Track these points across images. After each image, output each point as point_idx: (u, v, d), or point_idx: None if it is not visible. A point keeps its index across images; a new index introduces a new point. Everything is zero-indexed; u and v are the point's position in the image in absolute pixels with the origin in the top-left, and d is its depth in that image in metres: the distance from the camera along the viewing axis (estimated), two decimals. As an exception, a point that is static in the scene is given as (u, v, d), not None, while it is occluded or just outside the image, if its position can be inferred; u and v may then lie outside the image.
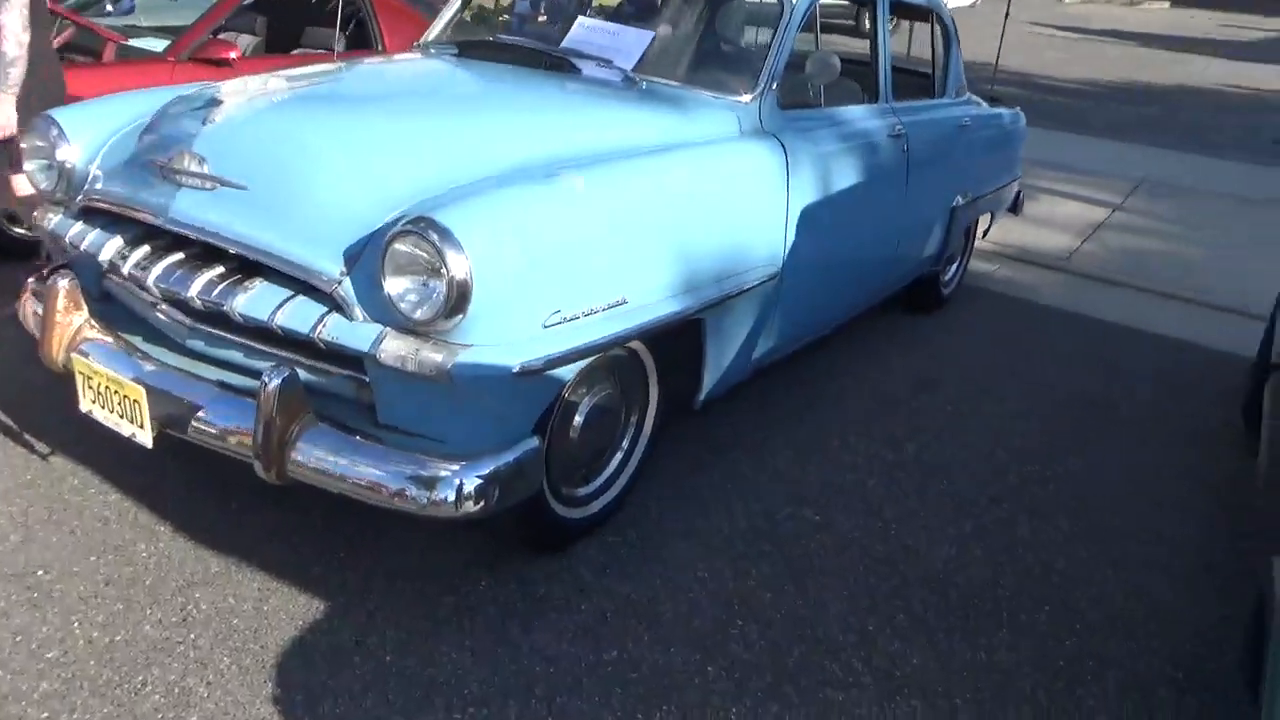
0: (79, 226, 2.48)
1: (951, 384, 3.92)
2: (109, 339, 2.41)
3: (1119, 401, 3.94)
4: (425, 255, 1.93)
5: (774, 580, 2.54)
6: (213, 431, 2.18)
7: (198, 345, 2.34)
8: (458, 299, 1.91)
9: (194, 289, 2.16)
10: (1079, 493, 3.16)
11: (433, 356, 1.95)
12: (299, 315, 2.06)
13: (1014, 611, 2.51)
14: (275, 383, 2.02)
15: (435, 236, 1.91)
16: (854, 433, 3.38)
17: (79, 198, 2.52)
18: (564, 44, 3.15)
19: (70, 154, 2.53)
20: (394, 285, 1.97)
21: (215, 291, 2.14)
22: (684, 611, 2.39)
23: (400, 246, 1.95)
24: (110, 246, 2.36)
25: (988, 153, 4.65)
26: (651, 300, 2.34)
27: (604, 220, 2.24)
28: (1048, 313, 4.93)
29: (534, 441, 2.14)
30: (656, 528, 2.70)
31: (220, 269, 2.20)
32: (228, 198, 2.20)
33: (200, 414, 2.18)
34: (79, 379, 2.34)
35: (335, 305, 2.06)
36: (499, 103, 2.76)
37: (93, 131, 2.60)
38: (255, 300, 2.11)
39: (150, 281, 2.22)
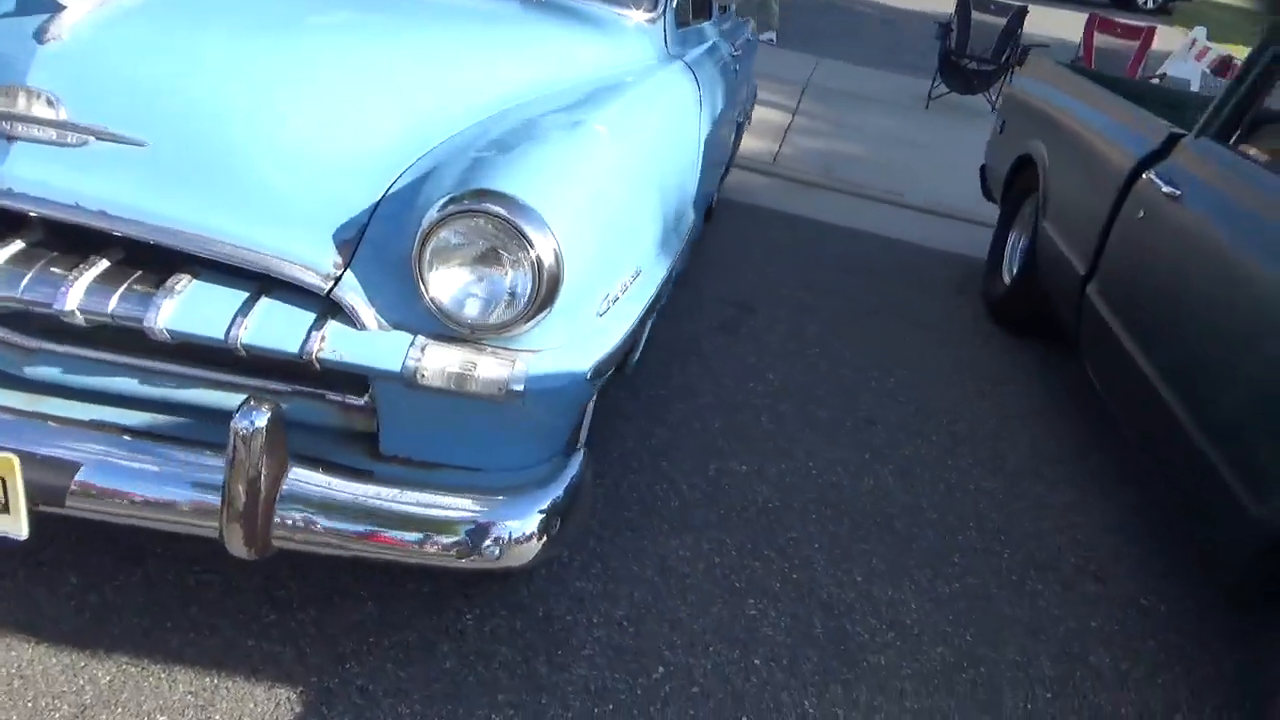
0: None
1: (765, 305, 3.96)
2: None
3: (890, 305, 4.25)
4: (496, 240, 1.45)
5: (751, 548, 2.40)
6: (138, 501, 1.51)
7: (47, 374, 1.60)
8: (546, 293, 1.46)
9: (104, 303, 1.45)
10: (922, 401, 3.37)
11: (497, 373, 1.50)
12: (277, 329, 1.47)
13: (951, 534, 2.63)
14: (260, 424, 1.43)
15: (511, 213, 1.43)
16: (729, 375, 3.29)
17: None
18: None
19: None
20: (443, 283, 1.47)
21: (132, 302, 1.45)
22: (696, 603, 2.18)
23: (453, 231, 1.44)
24: None
25: (749, 66, 4.67)
26: (651, 265, 2.00)
27: (625, 174, 1.85)
28: (777, 217, 5.16)
29: (580, 456, 1.76)
30: (615, 516, 2.42)
31: (103, 264, 1.49)
32: (113, 159, 1.48)
33: (103, 479, 1.50)
34: None
35: (325, 310, 1.50)
36: (416, 24, 2.12)
37: None
38: (196, 311, 1.46)
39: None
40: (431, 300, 1.46)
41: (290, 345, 1.46)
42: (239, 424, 1.43)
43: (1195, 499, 2.34)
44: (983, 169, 5.21)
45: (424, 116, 1.69)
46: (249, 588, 1.95)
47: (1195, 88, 8.59)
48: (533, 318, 1.47)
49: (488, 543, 1.56)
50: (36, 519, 1.51)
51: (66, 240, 1.53)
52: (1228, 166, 2.74)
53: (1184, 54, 9.46)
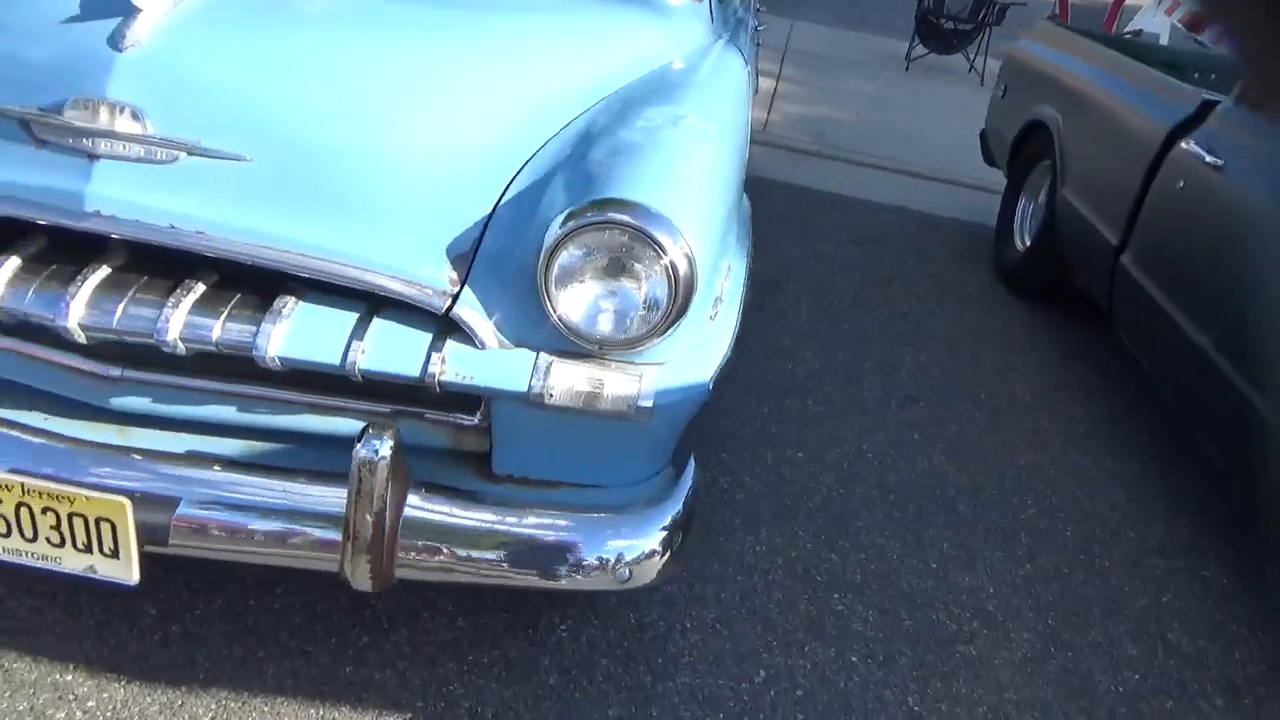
0: None
1: (784, 281, 3.91)
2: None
3: (902, 275, 4.22)
4: (625, 251, 1.37)
5: (825, 539, 2.37)
6: (248, 537, 1.43)
7: (135, 404, 1.49)
8: (683, 302, 1.39)
9: (208, 331, 1.35)
10: (956, 376, 3.36)
11: (625, 389, 1.43)
12: (396, 353, 1.39)
13: (1012, 513, 2.62)
14: (384, 453, 1.35)
15: (641, 222, 1.35)
16: (765, 357, 3.24)
17: None
18: None
19: None
20: (573, 301, 1.38)
21: (238, 330, 1.36)
22: (783, 600, 2.14)
23: (580, 246, 1.36)
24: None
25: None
26: (736, 260, 1.93)
27: (718, 167, 1.77)
28: (775, 187, 5.10)
29: (691, 466, 1.70)
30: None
31: (199, 289, 1.39)
32: (207, 175, 1.37)
33: (209, 515, 1.41)
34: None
35: (441, 330, 1.41)
36: (489, 20, 1.99)
37: None
38: (308, 337, 1.37)
39: (83, 319, 1.34)
40: (560, 319, 1.38)
41: (411, 369, 1.38)
42: (362, 453, 1.35)
43: (1256, 466, 2.35)
44: (983, 134, 5.18)
45: (517, 118, 1.60)
46: (335, 610, 1.87)
47: (1165, 42, 8.64)
48: (667, 329, 1.40)
49: (618, 564, 1.50)
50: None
51: (149, 263, 1.43)
52: (1273, 135, 2.72)
53: (1153, 8, 9.50)
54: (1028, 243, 4.37)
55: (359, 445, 1.36)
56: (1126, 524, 2.67)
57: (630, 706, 1.80)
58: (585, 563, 1.49)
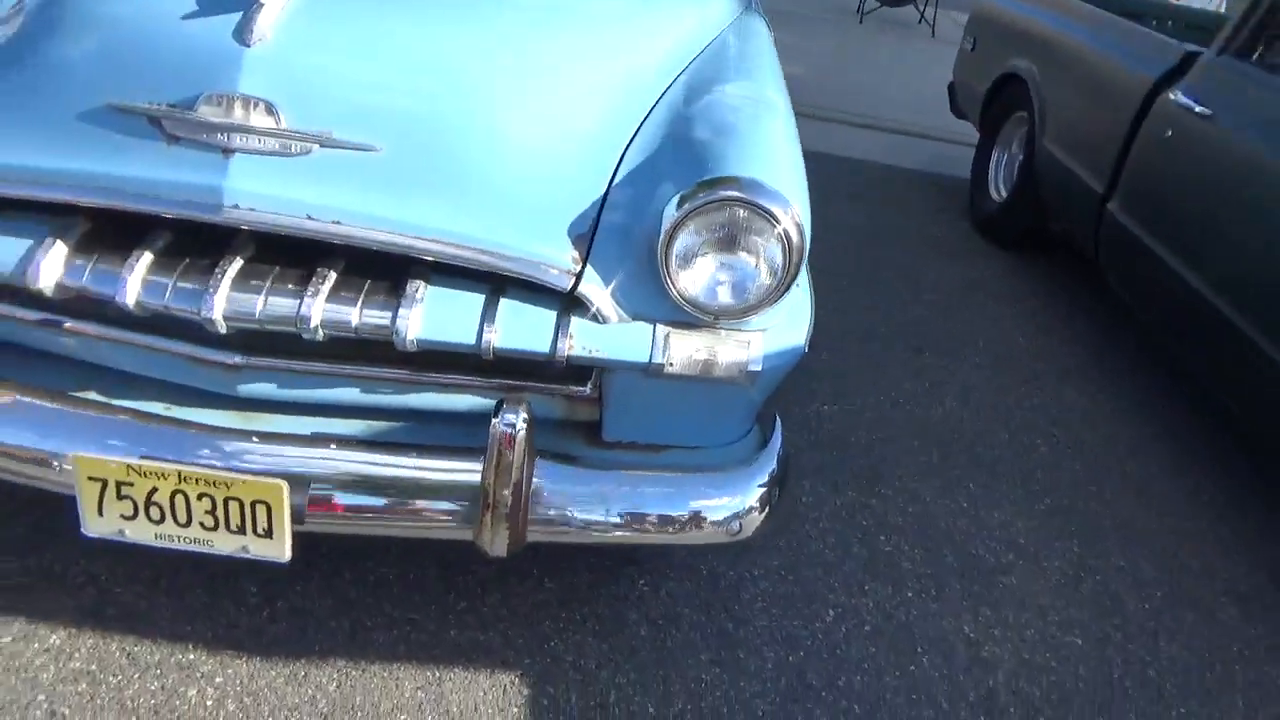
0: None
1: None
2: (90, 410, 1.47)
3: (884, 231, 4.37)
4: (740, 226, 1.46)
5: (865, 485, 2.51)
6: (383, 512, 1.50)
7: (261, 390, 1.54)
8: (794, 271, 1.48)
9: (348, 315, 1.40)
10: (954, 325, 3.52)
11: (737, 355, 1.53)
12: (526, 331, 1.46)
13: (1025, 453, 2.79)
14: (521, 425, 1.43)
15: (756, 196, 1.43)
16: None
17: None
18: None
19: None
20: (693, 277, 1.46)
21: (376, 315, 1.41)
22: (836, 545, 2.27)
23: (697, 225, 1.44)
24: (50, 263, 1.40)
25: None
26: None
27: (796, 140, 1.84)
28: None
29: (778, 425, 1.80)
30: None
31: (332, 277, 1.44)
32: (340, 166, 1.42)
33: (344, 493, 1.47)
34: (87, 487, 1.41)
35: (565, 307, 1.49)
36: (554, 6, 1.97)
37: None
38: (443, 320, 1.43)
39: (225, 308, 1.38)
40: (680, 294, 1.46)
41: (541, 346, 1.45)
42: (501, 426, 1.43)
43: (1261, 399, 2.54)
44: (952, 86, 5.32)
45: (613, 98, 1.66)
46: (427, 579, 1.95)
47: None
48: (780, 297, 1.49)
49: (731, 519, 1.61)
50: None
51: (272, 253, 1.47)
52: (1261, 85, 2.90)
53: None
54: (1004, 193, 4.54)
55: (496, 419, 1.43)
56: (1127, 456, 2.86)
57: (719, 651, 1.92)
58: (702, 518, 1.59)
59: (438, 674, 1.76)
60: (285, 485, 1.40)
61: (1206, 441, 2.99)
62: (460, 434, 1.58)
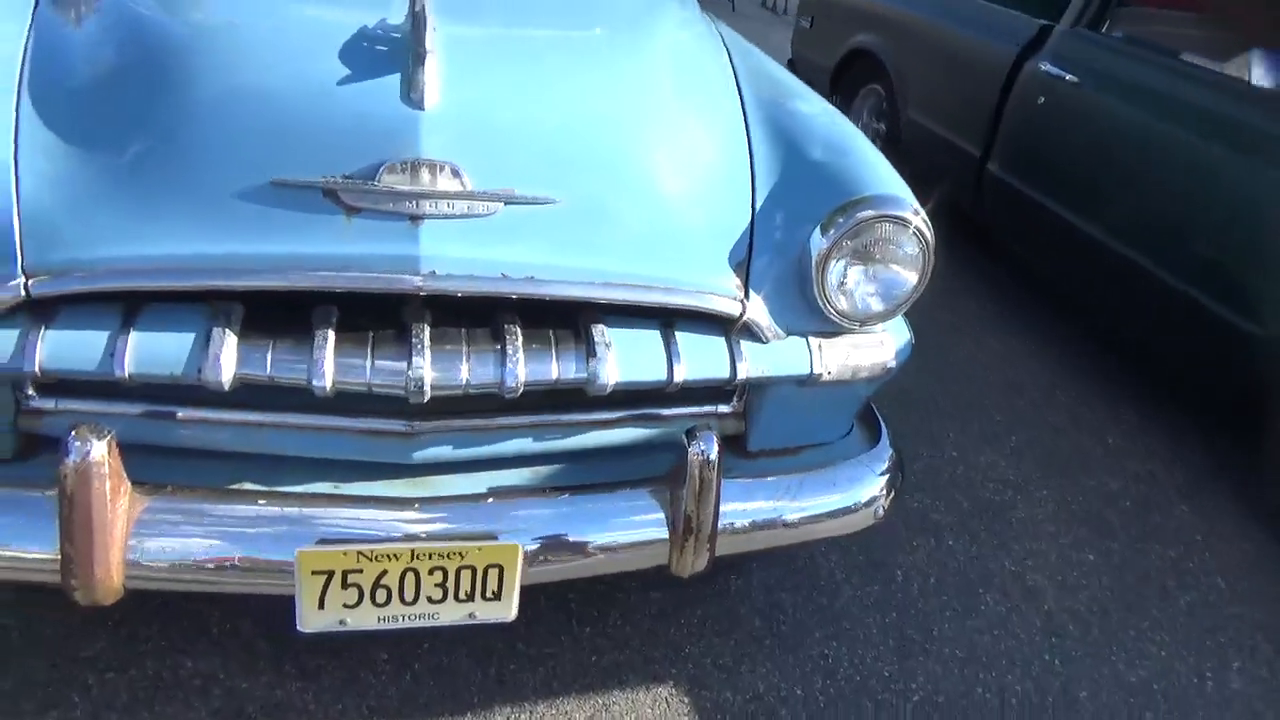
0: (68, 335, 1.30)
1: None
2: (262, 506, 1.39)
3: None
4: (883, 239, 1.58)
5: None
6: (588, 554, 1.52)
7: (436, 454, 1.51)
8: (930, 270, 1.63)
9: (546, 371, 1.40)
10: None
11: (878, 356, 1.67)
12: (706, 360, 1.52)
13: (976, 394, 3.11)
14: (713, 450, 1.49)
15: (895, 211, 1.57)
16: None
17: (35, 282, 1.29)
18: None
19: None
20: (847, 295, 1.58)
21: (571, 365, 1.43)
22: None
23: (846, 249, 1.55)
24: (227, 356, 1.31)
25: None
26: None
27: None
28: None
29: (876, 412, 1.94)
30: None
31: (518, 332, 1.44)
32: (524, 222, 1.41)
33: (575, 536, 1.49)
34: (309, 582, 1.34)
35: (732, 333, 1.56)
36: (645, 39, 1.92)
37: None
38: (633, 361, 1.47)
39: (441, 378, 1.35)
40: (837, 312, 1.57)
41: (721, 372, 1.52)
42: (697, 453, 1.48)
43: (1178, 334, 2.97)
44: (792, 64, 5.64)
45: (720, 130, 1.72)
46: (541, 610, 1.96)
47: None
48: (908, 301, 1.64)
49: (874, 504, 1.74)
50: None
51: (443, 314, 1.44)
52: (1115, 53, 3.33)
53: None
54: (867, 159, 4.89)
55: (691, 447, 1.49)
56: (1056, 386, 3.25)
57: (828, 626, 2.06)
58: (856, 507, 1.72)
59: (600, 700, 1.80)
60: (520, 547, 1.40)
61: (1118, 365, 3.44)
62: (629, 467, 1.62)
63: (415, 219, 1.34)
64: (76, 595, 1.32)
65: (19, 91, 1.42)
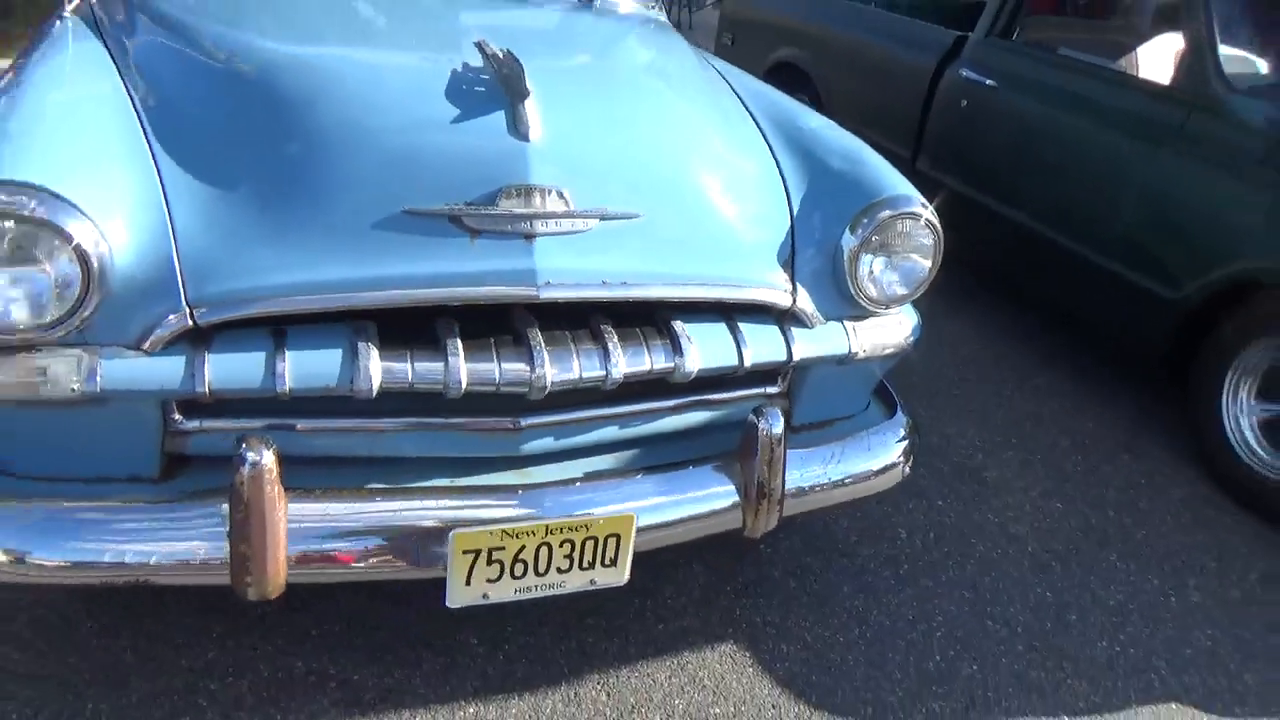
0: (238, 358, 1.45)
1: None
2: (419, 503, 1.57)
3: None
4: (905, 232, 1.85)
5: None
6: (681, 523, 1.73)
7: (539, 446, 1.70)
8: (939, 262, 1.90)
9: (641, 362, 1.61)
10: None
11: (899, 334, 1.93)
12: (766, 346, 1.76)
13: (939, 370, 3.44)
14: (779, 426, 1.73)
15: (914, 208, 1.84)
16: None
17: (199, 312, 1.43)
18: None
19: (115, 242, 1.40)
20: (876, 285, 1.84)
21: (661, 357, 1.64)
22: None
23: (873, 245, 1.81)
24: (374, 367, 1.48)
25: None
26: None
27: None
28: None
29: (888, 386, 2.20)
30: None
31: (612, 331, 1.65)
32: (615, 235, 1.62)
33: (667, 508, 1.70)
34: (460, 560, 1.52)
35: (782, 320, 1.80)
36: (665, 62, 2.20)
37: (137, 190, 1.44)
38: (709, 350, 1.69)
39: (559, 376, 1.54)
40: (867, 298, 1.83)
41: (780, 355, 1.76)
42: (765, 428, 1.72)
43: (1102, 304, 3.35)
44: (715, 76, 5.94)
45: (746, 143, 1.96)
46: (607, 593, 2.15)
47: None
48: (931, 280, 1.91)
49: (904, 465, 2.01)
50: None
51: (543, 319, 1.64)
52: (1026, 59, 3.73)
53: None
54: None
55: (760, 424, 1.72)
56: (1001, 358, 3.61)
57: (852, 580, 2.32)
58: (887, 468, 1.98)
59: (674, 660, 2.01)
60: (634, 515, 1.60)
61: (1046, 337, 3.83)
62: (688, 447, 1.84)
63: (529, 237, 1.54)
64: (249, 592, 1.46)
65: (148, 143, 1.55)
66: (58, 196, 1.34)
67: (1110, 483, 2.91)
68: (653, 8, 2.80)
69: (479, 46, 1.74)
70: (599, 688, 1.91)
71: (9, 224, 1.32)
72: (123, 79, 1.74)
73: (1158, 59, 3.50)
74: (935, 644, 2.16)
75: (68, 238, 1.34)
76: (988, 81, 3.78)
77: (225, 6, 2.01)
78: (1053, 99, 3.54)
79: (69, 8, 2.13)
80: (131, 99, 1.67)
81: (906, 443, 2.05)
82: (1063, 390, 3.44)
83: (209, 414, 1.53)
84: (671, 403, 1.77)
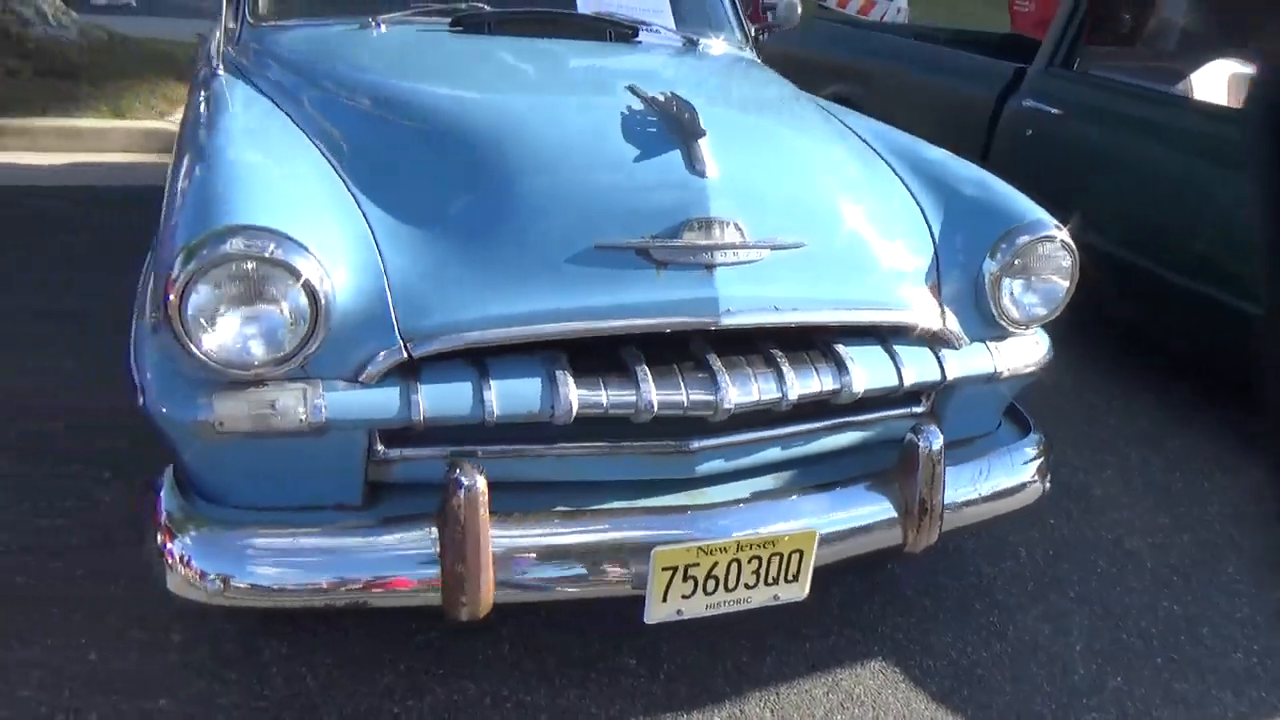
0: (449, 388, 1.53)
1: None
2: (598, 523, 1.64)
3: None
4: (1044, 254, 1.92)
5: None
6: (850, 535, 1.79)
7: (713, 467, 1.77)
8: (1075, 281, 1.97)
9: (812, 385, 1.69)
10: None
11: (1035, 353, 2.00)
12: (921, 366, 1.83)
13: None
14: (939, 443, 1.80)
15: (1051, 231, 1.92)
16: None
17: (413, 345, 1.52)
18: (579, 6, 2.63)
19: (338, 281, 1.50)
20: (1017, 305, 1.91)
21: (830, 379, 1.71)
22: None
23: (1013, 270, 1.89)
24: (571, 394, 1.56)
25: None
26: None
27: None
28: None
29: (1016, 405, 2.26)
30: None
31: (780, 354, 1.72)
32: (782, 264, 1.70)
33: (838, 524, 1.76)
34: (660, 577, 1.58)
35: (931, 343, 1.87)
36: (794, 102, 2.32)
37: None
38: (872, 371, 1.77)
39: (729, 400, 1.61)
40: (1008, 319, 1.90)
41: (934, 375, 1.83)
42: (925, 446, 1.78)
43: (1181, 321, 3.41)
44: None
45: (879, 177, 2.05)
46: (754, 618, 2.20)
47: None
48: (1068, 300, 1.98)
49: (1044, 479, 2.06)
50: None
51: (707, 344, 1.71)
52: (1089, 87, 3.84)
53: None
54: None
55: (920, 442, 1.78)
56: (1086, 374, 3.66)
57: (984, 598, 2.36)
58: (1030, 483, 2.04)
59: (828, 677, 2.05)
60: (817, 533, 1.66)
61: (1128, 358, 3.87)
62: (839, 467, 1.90)
63: (709, 267, 1.62)
64: (461, 612, 1.53)
65: (347, 189, 1.65)
66: (290, 239, 1.43)
67: (1211, 498, 2.94)
68: (744, 48, 2.92)
69: (631, 89, 1.84)
70: (761, 705, 1.96)
71: (250, 265, 1.41)
72: (303, 130, 1.84)
73: (1215, 82, 3.61)
74: (1077, 657, 2.19)
75: (300, 277, 1.43)
76: (1053, 110, 3.87)
77: (383, 60, 2.13)
78: (1120, 124, 3.63)
79: (218, 66, 2.25)
80: (318, 149, 1.77)
81: (1043, 460, 2.10)
82: (1145, 408, 3.49)
83: (408, 443, 1.61)
84: (829, 423, 1.84)
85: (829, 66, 5.34)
